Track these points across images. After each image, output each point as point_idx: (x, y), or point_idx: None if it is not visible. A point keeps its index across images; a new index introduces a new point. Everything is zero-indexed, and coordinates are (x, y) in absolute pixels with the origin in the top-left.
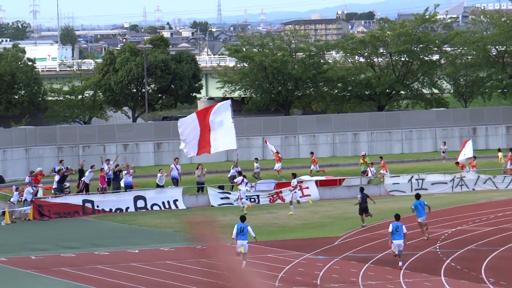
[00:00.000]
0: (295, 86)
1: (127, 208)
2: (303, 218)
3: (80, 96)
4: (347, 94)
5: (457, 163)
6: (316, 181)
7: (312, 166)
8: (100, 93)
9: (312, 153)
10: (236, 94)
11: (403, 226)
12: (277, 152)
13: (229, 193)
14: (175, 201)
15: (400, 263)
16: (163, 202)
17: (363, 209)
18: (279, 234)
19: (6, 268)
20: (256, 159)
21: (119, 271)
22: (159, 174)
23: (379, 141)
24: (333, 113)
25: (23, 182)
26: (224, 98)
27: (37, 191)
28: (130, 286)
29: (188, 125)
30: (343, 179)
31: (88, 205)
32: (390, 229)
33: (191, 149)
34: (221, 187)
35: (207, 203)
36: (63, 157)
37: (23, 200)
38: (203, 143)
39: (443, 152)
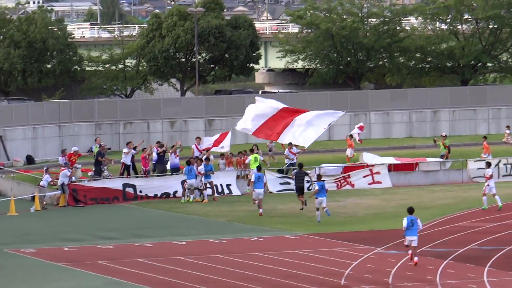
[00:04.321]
0: (366, 57)
1: (175, 192)
2: (374, 207)
3: (121, 66)
4: (426, 66)
5: None
6: (389, 166)
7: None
8: (144, 63)
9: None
10: (299, 65)
11: (418, 220)
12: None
13: (290, 178)
14: (228, 185)
15: (416, 258)
16: (215, 186)
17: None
18: (346, 225)
19: (35, 260)
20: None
21: (163, 265)
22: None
23: (462, 120)
24: (410, 88)
25: (56, 163)
26: (285, 70)
27: (73, 173)
28: (176, 283)
29: (265, 107)
30: (419, 164)
31: (130, 190)
32: (404, 224)
33: (250, 126)
34: (280, 171)
35: (264, 189)
36: (101, 135)
37: (59, 184)
38: (270, 130)
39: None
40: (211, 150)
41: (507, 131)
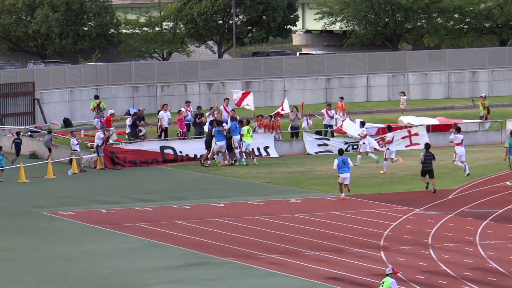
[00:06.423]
0: (404, 18)
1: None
2: (413, 168)
3: (158, 28)
4: (465, 26)
5: None
6: (428, 126)
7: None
8: (181, 25)
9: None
10: (337, 27)
11: (349, 159)
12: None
13: (328, 139)
14: (266, 148)
15: (343, 195)
16: (252, 149)
17: (426, 172)
18: (385, 186)
19: (73, 223)
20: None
21: (201, 227)
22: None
23: (501, 80)
24: (448, 48)
25: (91, 126)
26: (322, 31)
27: (109, 136)
28: (213, 244)
29: None
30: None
31: (169, 151)
32: (335, 165)
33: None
34: (318, 133)
35: (302, 150)
36: (138, 98)
37: (95, 146)
38: None
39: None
40: (240, 106)
41: (403, 97)
